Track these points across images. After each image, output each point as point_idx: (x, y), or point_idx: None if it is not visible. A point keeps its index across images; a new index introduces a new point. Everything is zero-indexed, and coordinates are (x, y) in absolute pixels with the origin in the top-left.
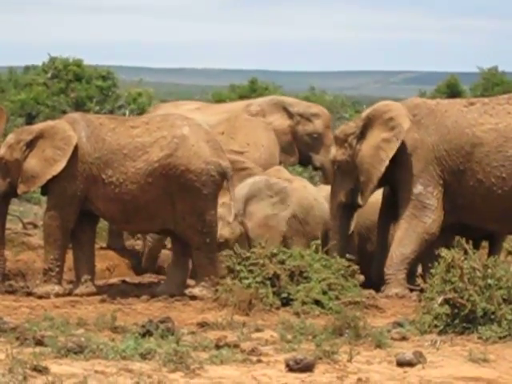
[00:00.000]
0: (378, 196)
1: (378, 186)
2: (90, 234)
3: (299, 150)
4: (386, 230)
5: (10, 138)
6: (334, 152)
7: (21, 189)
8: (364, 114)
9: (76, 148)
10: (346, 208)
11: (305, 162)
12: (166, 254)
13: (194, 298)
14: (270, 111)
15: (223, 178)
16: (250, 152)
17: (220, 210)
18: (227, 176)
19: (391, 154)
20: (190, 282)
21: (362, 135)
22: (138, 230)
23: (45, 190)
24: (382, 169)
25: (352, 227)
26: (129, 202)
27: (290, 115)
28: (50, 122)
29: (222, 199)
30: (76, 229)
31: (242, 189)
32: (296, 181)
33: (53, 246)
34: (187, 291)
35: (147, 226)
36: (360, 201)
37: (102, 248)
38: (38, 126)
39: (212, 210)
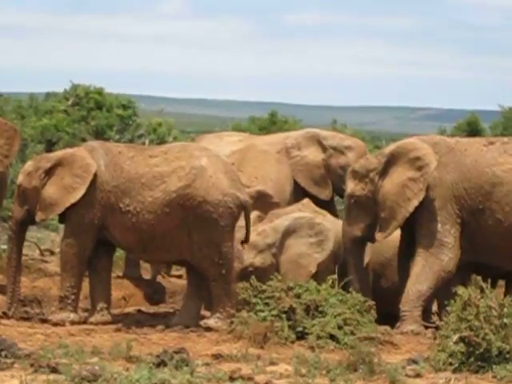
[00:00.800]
0: (378, 239)
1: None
2: (106, 263)
3: (333, 183)
4: (406, 267)
5: (29, 165)
6: (353, 186)
7: (39, 216)
8: (387, 151)
9: (95, 176)
10: (361, 243)
11: (339, 195)
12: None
13: (209, 329)
14: (305, 144)
15: (240, 210)
16: (257, 186)
17: (255, 238)
18: (245, 208)
19: (420, 194)
20: (205, 313)
21: (384, 171)
22: (154, 259)
23: (62, 217)
24: (410, 208)
25: (366, 263)
26: (145, 231)
27: (324, 148)
28: (69, 150)
29: (258, 228)
30: (93, 257)
31: (283, 221)
32: (328, 215)
33: (69, 273)
34: (202, 322)
35: (164, 256)
36: (378, 237)
37: (118, 277)
38: (56, 154)
39: (228, 241)
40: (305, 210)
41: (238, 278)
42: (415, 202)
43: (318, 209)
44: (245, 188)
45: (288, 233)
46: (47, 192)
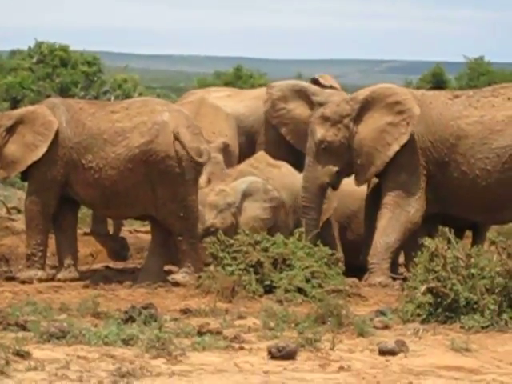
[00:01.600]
0: (356, 186)
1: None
2: (71, 220)
3: None
4: (373, 218)
5: None
6: (323, 132)
7: (1, 174)
8: (360, 96)
9: (56, 133)
10: (325, 189)
11: None
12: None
13: (176, 284)
14: (291, 97)
15: (202, 164)
16: (213, 141)
17: (215, 198)
18: (206, 161)
19: (402, 138)
20: (173, 268)
21: (358, 117)
22: (117, 215)
23: (25, 175)
24: (390, 153)
25: (332, 215)
26: (108, 187)
27: (311, 104)
28: (30, 107)
29: (219, 186)
30: (58, 214)
31: (241, 183)
32: (283, 166)
33: (35, 230)
34: (170, 278)
35: (128, 212)
36: (356, 183)
37: (85, 234)
38: (17, 112)
39: (193, 195)
40: (258, 165)
41: (200, 239)
42: (396, 147)
43: (273, 161)
44: (206, 142)
45: (245, 195)
46: (9, 150)
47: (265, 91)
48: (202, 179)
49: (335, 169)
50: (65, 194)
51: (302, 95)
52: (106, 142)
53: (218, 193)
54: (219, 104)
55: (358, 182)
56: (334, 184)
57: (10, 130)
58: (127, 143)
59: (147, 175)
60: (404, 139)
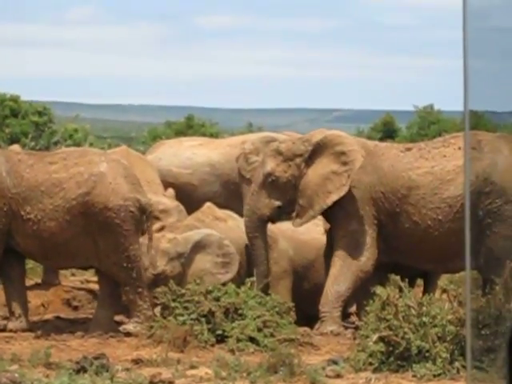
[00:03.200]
0: (314, 235)
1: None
2: (19, 270)
3: None
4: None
5: None
6: (274, 166)
7: None
8: (314, 139)
9: None
10: (265, 222)
11: None
12: None
13: (128, 334)
14: (262, 150)
15: (142, 213)
16: (155, 191)
17: (167, 246)
18: (146, 211)
19: (341, 190)
20: (124, 318)
21: (309, 159)
22: (58, 266)
23: None
24: (328, 201)
25: (288, 266)
26: (47, 238)
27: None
28: None
29: (169, 235)
30: (4, 265)
31: (195, 234)
32: (230, 219)
33: None
34: (121, 328)
35: (69, 263)
36: (294, 224)
37: (37, 284)
38: None
39: (135, 244)
40: (204, 219)
41: (151, 285)
42: (334, 197)
43: (219, 213)
44: (145, 191)
45: (197, 247)
46: None
47: (234, 140)
48: (156, 227)
49: (277, 203)
50: (10, 244)
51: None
52: (43, 193)
53: (169, 240)
54: (193, 152)
55: (295, 223)
56: (274, 218)
57: None
58: (64, 195)
59: (86, 227)
60: (343, 190)
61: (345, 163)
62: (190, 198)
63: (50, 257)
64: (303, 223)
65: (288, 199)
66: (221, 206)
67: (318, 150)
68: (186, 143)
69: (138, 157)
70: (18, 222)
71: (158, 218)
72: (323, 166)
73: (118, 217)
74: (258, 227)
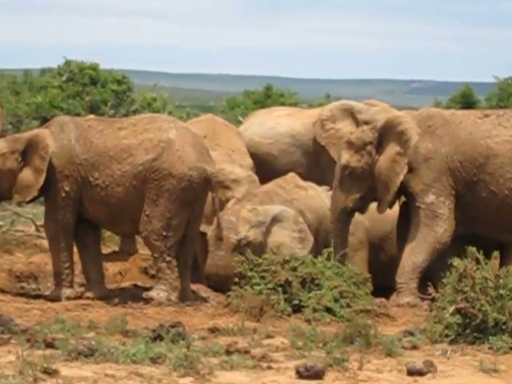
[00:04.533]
0: (378, 213)
1: (396, 196)
2: (94, 237)
3: None
4: (404, 238)
5: (2, 146)
6: (348, 157)
7: (16, 198)
8: (378, 124)
9: (66, 151)
10: (350, 214)
11: None
12: None
13: (205, 303)
14: (339, 117)
15: (206, 184)
16: (238, 159)
17: (248, 214)
18: (211, 182)
19: (405, 168)
20: (199, 287)
21: (378, 145)
22: (123, 232)
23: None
24: (398, 182)
25: (364, 237)
26: (114, 204)
27: (357, 122)
28: (34, 131)
29: (248, 205)
30: (79, 232)
31: (273, 208)
32: (310, 189)
33: (57, 249)
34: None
35: (130, 229)
36: (378, 210)
37: (114, 252)
38: (25, 136)
39: (182, 215)
40: (285, 186)
41: (232, 250)
42: (401, 177)
43: (302, 183)
44: (213, 161)
45: (275, 220)
46: (24, 175)
47: (319, 111)
48: (234, 198)
49: (358, 195)
50: (81, 211)
51: (349, 114)
52: (111, 159)
53: (250, 210)
54: (276, 122)
55: (379, 210)
56: (359, 209)
57: (23, 154)
58: (132, 160)
59: (148, 192)
60: (405, 168)
61: (404, 142)
62: (270, 167)
63: (116, 223)
64: (385, 208)
65: (368, 188)
66: (301, 176)
67: (383, 135)
68: (275, 113)
69: (224, 125)
70: (87, 188)
71: (228, 188)
72: (390, 149)
73: (179, 185)
74: (342, 220)
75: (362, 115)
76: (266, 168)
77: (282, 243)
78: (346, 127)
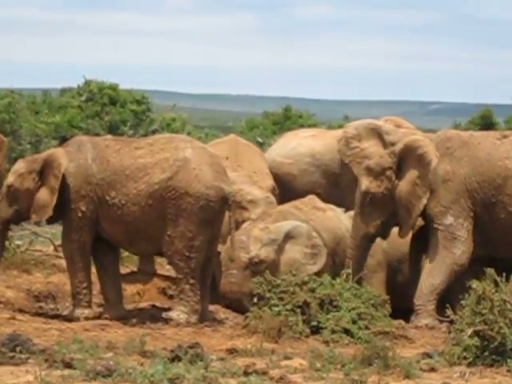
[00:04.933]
0: (400, 237)
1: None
2: (112, 257)
3: None
4: (418, 261)
5: (21, 166)
6: (368, 183)
7: (33, 218)
8: (397, 149)
9: (82, 170)
10: (371, 240)
11: None
12: None
13: (223, 324)
14: (365, 136)
15: (223, 203)
16: (259, 181)
17: (259, 233)
18: (228, 201)
19: (427, 192)
20: (218, 308)
21: (399, 170)
22: (140, 252)
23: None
24: (421, 206)
25: (382, 259)
26: (130, 223)
27: (384, 143)
28: (49, 151)
29: (260, 224)
30: (98, 252)
31: (286, 224)
32: (329, 210)
33: (75, 269)
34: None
35: (148, 249)
36: (399, 235)
37: (132, 272)
38: (41, 156)
39: (203, 235)
40: (302, 207)
41: (244, 268)
42: (424, 200)
43: (320, 204)
44: (230, 181)
45: (288, 237)
46: (41, 195)
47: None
48: (251, 217)
49: (379, 220)
50: (99, 231)
51: (376, 134)
52: (128, 177)
53: (262, 229)
54: (298, 143)
55: (401, 234)
56: (381, 234)
57: (40, 174)
58: (148, 179)
59: (164, 211)
60: (428, 191)
61: (424, 165)
62: (290, 188)
63: (133, 242)
64: (407, 232)
65: (389, 213)
66: (320, 196)
67: (402, 159)
68: (301, 134)
69: (247, 146)
70: (104, 208)
71: (245, 208)
72: (410, 173)
73: (196, 204)
74: (363, 246)
75: (390, 136)
76: (286, 188)
77: (294, 259)
78: (371, 147)
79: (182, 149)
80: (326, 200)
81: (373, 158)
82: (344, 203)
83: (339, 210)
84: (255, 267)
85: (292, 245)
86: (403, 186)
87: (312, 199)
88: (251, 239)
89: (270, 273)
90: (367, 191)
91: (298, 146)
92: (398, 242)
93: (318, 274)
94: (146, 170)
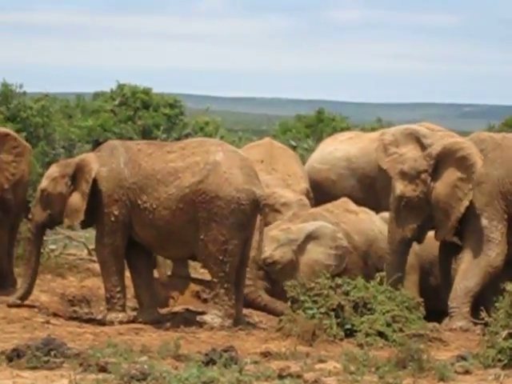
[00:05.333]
0: (436, 240)
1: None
2: (146, 261)
3: None
4: (446, 263)
5: (54, 171)
6: (402, 188)
7: (66, 222)
8: (434, 152)
9: (115, 174)
10: (408, 244)
11: None
12: None
13: (256, 327)
14: (403, 142)
15: (255, 206)
16: (294, 184)
17: (277, 233)
18: (259, 204)
19: (470, 194)
20: (251, 311)
21: (434, 173)
22: (172, 256)
23: (87, 222)
24: (462, 209)
25: (415, 261)
26: (162, 228)
27: (423, 147)
28: (81, 156)
29: (284, 225)
30: (132, 256)
31: (309, 225)
32: (362, 213)
33: (108, 273)
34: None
35: (179, 252)
36: (436, 238)
37: (166, 276)
38: (74, 160)
39: (236, 239)
40: (333, 210)
41: (257, 269)
42: (466, 203)
43: (352, 207)
44: (261, 184)
45: (310, 237)
46: (73, 199)
47: (376, 135)
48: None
49: (415, 224)
50: (132, 235)
51: (413, 138)
52: (159, 182)
53: (281, 229)
54: (335, 148)
55: (437, 237)
56: (417, 238)
57: (72, 179)
58: (179, 183)
59: (195, 215)
60: (471, 195)
61: (467, 167)
62: (329, 193)
63: (165, 246)
64: (444, 235)
65: (425, 217)
66: (358, 200)
67: (440, 162)
68: (339, 138)
69: (282, 149)
70: (136, 212)
71: (278, 211)
72: (449, 176)
73: (227, 207)
74: (400, 251)
75: (428, 140)
76: (326, 194)
77: (316, 260)
78: (410, 152)
79: (213, 152)
80: (362, 204)
81: (407, 162)
82: (380, 207)
83: (372, 213)
84: (269, 268)
85: (314, 245)
86: (441, 188)
87: (345, 202)
88: (268, 239)
89: (288, 274)
90: (402, 195)
91: (334, 151)
92: (429, 244)
93: (351, 276)
94: (176, 174)
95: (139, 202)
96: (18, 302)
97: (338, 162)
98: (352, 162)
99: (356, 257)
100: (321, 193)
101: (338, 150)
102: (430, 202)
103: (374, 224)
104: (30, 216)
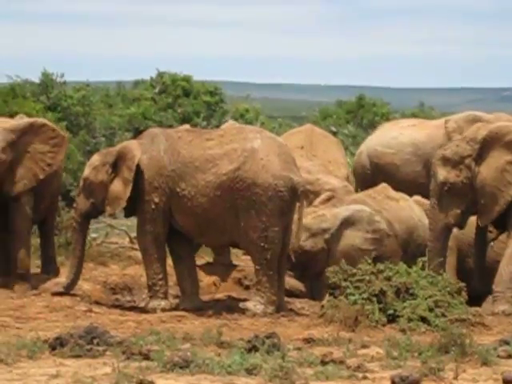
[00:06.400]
0: (480, 225)
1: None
2: (188, 248)
3: None
4: (482, 245)
5: (95, 159)
6: (445, 174)
7: (108, 211)
8: (479, 136)
9: (155, 162)
10: (450, 230)
11: None
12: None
13: (299, 313)
14: (466, 128)
15: (293, 193)
16: (335, 170)
17: (310, 221)
18: (297, 191)
19: None
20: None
21: (479, 157)
22: (211, 243)
23: (129, 210)
24: (511, 192)
25: (453, 244)
26: (200, 215)
27: None
28: (124, 143)
29: (320, 212)
30: (173, 244)
31: (345, 210)
32: (402, 200)
33: (150, 261)
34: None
35: (218, 240)
36: (480, 222)
37: (208, 263)
38: (115, 149)
39: (276, 226)
40: (375, 196)
41: (287, 258)
42: None
43: (393, 194)
44: (299, 170)
45: (347, 223)
46: (114, 186)
47: (439, 122)
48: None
49: (459, 210)
50: (172, 222)
51: None
52: (197, 169)
53: (315, 217)
54: (400, 133)
55: (482, 222)
56: (459, 224)
57: (113, 167)
58: (216, 170)
59: (233, 202)
60: None
61: None
62: (392, 177)
63: (204, 233)
64: (490, 220)
65: (469, 202)
66: (421, 186)
67: (486, 146)
68: (400, 124)
69: (323, 135)
70: (175, 200)
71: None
72: (496, 160)
73: (265, 194)
74: (442, 238)
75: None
76: (388, 178)
77: (353, 245)
78: None
79: (251, 139)
80: (426, 190)
81: (449, 148)
82: None
83: (411, 199)
84: (301, 256)
85: (351, 231)
86: (488, 172)
87: (385, 188)
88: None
89: (321, 261)
90: (445, 181)
91: (400, 136)
92: (468, 226)
93: (391, 261)
94: (214, 161)
95: (178, 189)
96: (62, 290)
97: (404, 147)
98: (418, 148)
99: (396, 245)
100: (383, 176)
101: (404, 135)
102: (473, 188)
103: (414, 211)
104: (74, 205)
